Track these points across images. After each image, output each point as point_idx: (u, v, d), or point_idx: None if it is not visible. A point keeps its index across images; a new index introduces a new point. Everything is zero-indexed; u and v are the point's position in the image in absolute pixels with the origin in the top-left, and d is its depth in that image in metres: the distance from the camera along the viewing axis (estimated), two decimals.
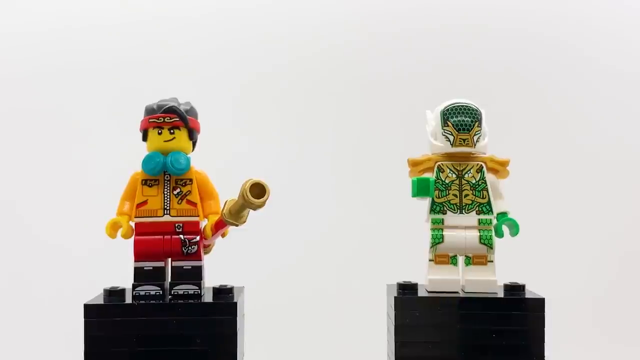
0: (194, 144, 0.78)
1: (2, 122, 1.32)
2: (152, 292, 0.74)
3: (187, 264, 0.75)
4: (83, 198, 1.27)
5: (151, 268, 0.74)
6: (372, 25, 1.36)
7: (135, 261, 0.75)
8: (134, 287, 0.74)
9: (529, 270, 0.88)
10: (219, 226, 0.74)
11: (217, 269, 0.81)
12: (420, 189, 0.79)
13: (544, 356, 0.74)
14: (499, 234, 0.79)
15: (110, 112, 1.29)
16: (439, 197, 0.79)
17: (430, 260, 0.79)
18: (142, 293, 0.74)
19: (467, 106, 0.79)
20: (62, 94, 1.32)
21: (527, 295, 0.77)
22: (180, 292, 0.75)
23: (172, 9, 1.34)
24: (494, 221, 0.79)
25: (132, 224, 0.75)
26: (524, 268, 0.88)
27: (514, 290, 0.77)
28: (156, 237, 0.75)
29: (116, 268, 0.81)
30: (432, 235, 0.78)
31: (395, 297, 0.76)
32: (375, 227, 1.29)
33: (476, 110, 0.79)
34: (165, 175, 0.76)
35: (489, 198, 0.79)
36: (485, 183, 0.79)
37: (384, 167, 1.15)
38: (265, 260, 1.27)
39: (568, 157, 1.33)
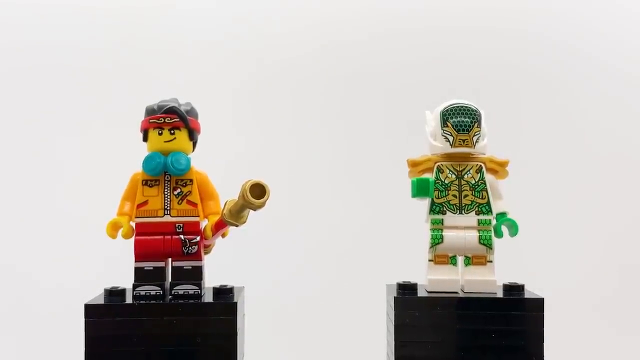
0: (194, 145, 0.78)
1: (2, 122, 1.32)
2: (153, 292, 0.74)
3: (187, 264, 0.75)
4: (83, 198, 1.27)
5: (151, 268, 0.75)
6: (372, 24, 1.36)
7: (135, 261, 0.75)
8: (134, 287, 0.75)
9: (528, 270, 0.88)
10: (219, 226, 0.75)
11: (217, 269, 0.81)
12: (420, 189, 0.79)
13: (543, 356, 0.75)
14: (498, 234, 0.79)
15: (111, 112, 1.29)
16: (438, 198, 0.79)
17: (429, 260, 0.79)
18: (143, 293, 0.74)
19: (466, 107, 0.79)
20: (62, 94, 1.32)
21: (526, 295, 0.77)
22: (181, 292, 0.75)
23: (172, 9, 1.35)
24: (493, 221, 0.79)
25: (133, 224, 0.76)
26: (523, 268, 0.88)
27: (513, 290, 0.77)
28: (156, 237, 0.75)
29: (116, 268, 0.82)
30: (432, 235, 0.79)
31: (395, 297, 0.76)
32: (375, 227, 1.29)
33: (475, 111, 0.79)
34: (166, 176, 0.76)
35: (488, 198, 0.79)
36: (485, 183, 0.79)
37: (383, 167, 1.15)
38: (265, 261, 1.27)
39: (567, 157, 1.33)
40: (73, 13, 1.33)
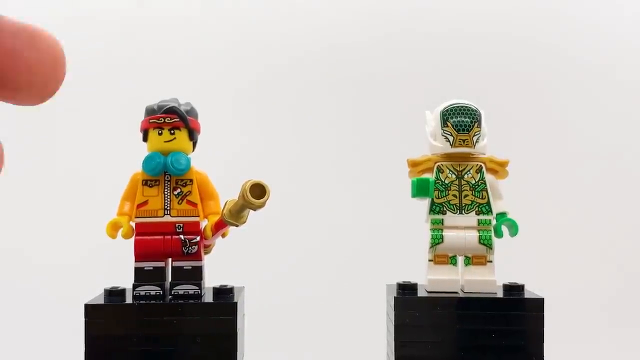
0: (194, 145, 0.78)
1: (2, 122, 1.32)
2: (153, 292, 0.74)
3: (187, 264, 0.75)
4: (84, 198, 1.27)
5: (151, 268, 0.75)
6: (372, 25, 1.36)
7: (135, 261, 0.75)
8: (134, 287, 0.75)
9: (528, 270, 0.88)
10: (219, 226, 0.75)
11: (217, 269, 0.81)
12: (420, 189, 0.79)
13: (543, 356, 0.75)
14: (498, 234, 0.79)
15: (111, 112, 1.29)
16: (438, 198, 0.79)
17: (429, 260, 0.79)
18: (143, 293, 0.74)
19: (466, 107, 0.79)
20: (62, 94, 1.31)
21: (526, 295, 0.77)
22: (181, 292, 0.75)
23: (172, 8, 1.35)
24: (493, 221, 0.79)
25: (133, 224, 0.76)
26: (523, 268, 0.88)
27: (513, 290, 0.77)
28: (156, 237, 0.75)
29: (117, 268, 0.82)
30: (432, 235, 0.79)
31: (395, 297, 0.76)
32: (375, 227, 1.29)
33: (475, 111, 0.79)
34: (166, 176, 0.76)
35: (488, 198, 0.79)
36: (485, 183, 0.79)
37: (383, 167, 1.15)
38: (265, 261, 1.27)
39: (567, 157, 1.33)
40: (75, 15, 1.33)
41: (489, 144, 0.80)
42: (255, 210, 0.70)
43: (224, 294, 0.76)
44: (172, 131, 0.75)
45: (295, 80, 1.34)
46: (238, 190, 0.70)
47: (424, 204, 0.80)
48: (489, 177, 0.80)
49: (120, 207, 0.76)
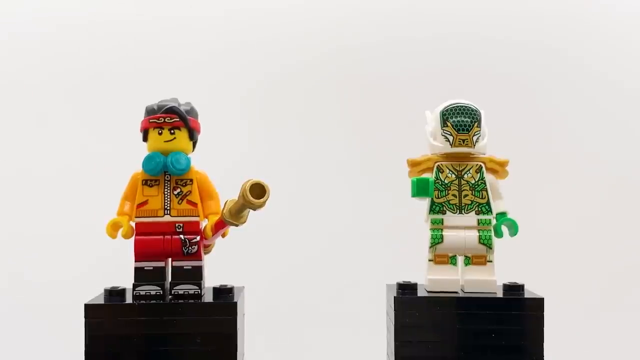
0: (194, 144, 0.78)
1: (2, 121, 1.32)
2: (153, 292, 0.74)
3: (187, 264, 0.75)
4: (83, 198, 1.27)
5: (151, 268, 0.75)
6: (373, 27, 1.36)
7: (135, 261, 0.75)
8: (134, 287, 0.75)
9: (528, 270, 0.88)
10: (219, 226, 0.75)
11: (217, 269, 0.81)
12: (420, 189, 0.79)
13: (542, 356, 0.75)
14: (498, 234, 0.79)
15: (111, 112, 1.29)
16: (438, 198, 0.79)
17: (429, 260, 0.79)
18: (143, 293, 0.74)
19: (466, 106, 0.79)
20: (63, 94, 1.32)
21: (526, 295, 0.77)
22: (181, 292, 0.75)
23: (174, 8, 1.34)
24: (493, 221, 0.79)
25: (133, 224, 0.76)
26: (523, 268, 0.88)
27: (513, 290, 0.77)
28: (156, 237, 0.75)
29: (116, 268, 0.82)
30: (432, 235, 0.79)
31: (395, 297, 0.76)
32: (375, 227, 1.29)
33: (475, 111, 0.79)
34: (166, 176, 0.76)
35: (488, 198, 0.79)
36: (485, 183, 0.79)
37: (383, 167, 1.15)
38: (265, 260, 1.27)
39: (567, 157, 1.33)
40: (77, 14, 1.33)
41: (489, 144, 0.80)
42: (255, 210, 0.70)
43: (224, 294, 0.76)
44: (172, 131, 0.75)
45: (294, 80, 1.34)
46: (238, 190, 0.70)
47: (424, 203, 0.80)
48: (489, 177, 0.80)
49: (120, 207, 0.76)
